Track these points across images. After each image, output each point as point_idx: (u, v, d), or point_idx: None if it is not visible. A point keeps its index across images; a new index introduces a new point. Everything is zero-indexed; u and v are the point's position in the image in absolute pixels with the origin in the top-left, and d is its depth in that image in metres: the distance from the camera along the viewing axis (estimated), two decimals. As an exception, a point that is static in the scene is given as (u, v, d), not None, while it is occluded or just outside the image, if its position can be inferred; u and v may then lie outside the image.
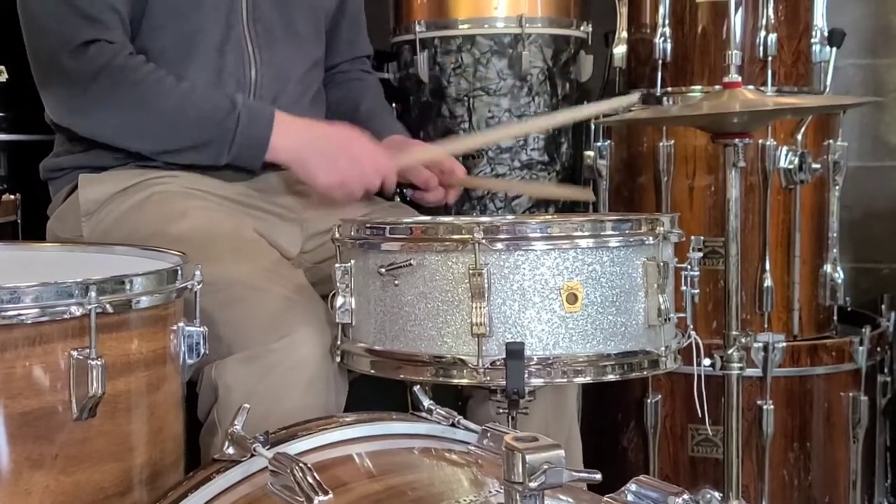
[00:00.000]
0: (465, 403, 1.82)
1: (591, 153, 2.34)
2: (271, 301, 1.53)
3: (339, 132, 1.77)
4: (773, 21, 2.22)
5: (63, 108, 1.75)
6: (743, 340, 1.75)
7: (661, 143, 2.22)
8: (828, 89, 2.27)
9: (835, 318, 2.35)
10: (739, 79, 1.70)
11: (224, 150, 1.70)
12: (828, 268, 2.29)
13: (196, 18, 1.75)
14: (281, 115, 1.73)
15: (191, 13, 1.75)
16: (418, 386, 1.22)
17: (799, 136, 2.21)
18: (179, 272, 1.24)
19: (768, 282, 2.19)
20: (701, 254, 1.57)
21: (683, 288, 1.55)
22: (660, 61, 2.25)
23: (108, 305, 1.10)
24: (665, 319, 1.43)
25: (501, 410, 1.43)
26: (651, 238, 1.43)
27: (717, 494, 1.80)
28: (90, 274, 1.11)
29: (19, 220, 2.21)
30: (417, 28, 2.29)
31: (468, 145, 2.11)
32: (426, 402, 1.18)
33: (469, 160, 2.27)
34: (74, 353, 1.09)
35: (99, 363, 1.07)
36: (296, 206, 1.84)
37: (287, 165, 1.76)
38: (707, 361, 1.67)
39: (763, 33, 2.22)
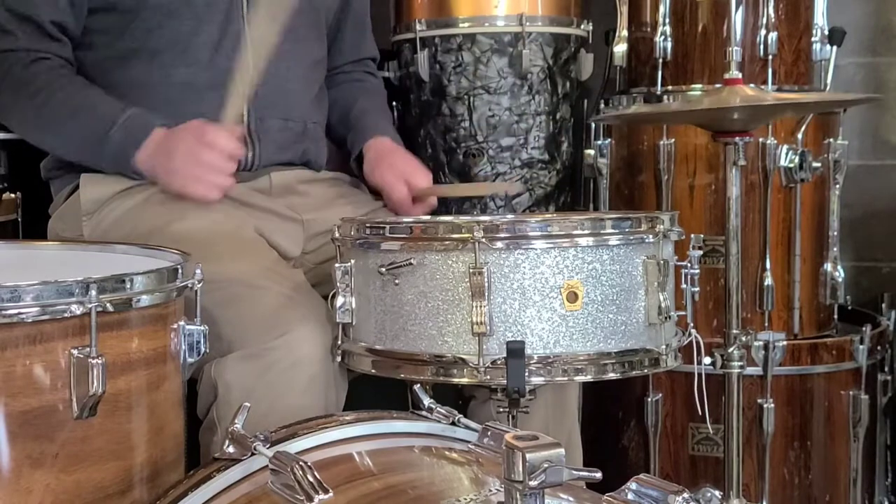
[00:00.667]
0: (465, 402, 1.82)
1: (591, 151, 2.34)
2: (271, 299, 1.54)
3: (169, 137, 1.70)
4: (773, 20, 2.22)
5: None
6: (743, 339, 1.75)
7: (661, 142, 2.22)
8: (828, 88, 2.27)
9: (835, 316, 2.35)
10: (740, 75, 1.70)
11: (101, 164, 1.75)
12: (828, 266, 2.29)
13: (191, 18, 1.75)
14: (157, 132, 1.70)
15: (186, 13, 1.75)
16: (418, 385, 1.22)
17: (799, 135, 2.21)
18: (180, 271, 1.24)
19: (769, 280, 2.19)
20: (701, 252, 1.57)
21: (684, 286, 1.55)
22: (660, 60, 2.25)
23: (108, 304, 1.10)
24: (665, 318, 1.44)
25: (502, 409, 1.43)
26: (651, 236, 1.43)
27: (717, 493, 1.81)
28: (90, 273, 1.11)
29: (20, 219, 2.21)
30: (418, 27, 2.29)
31: None
32: (426, 401, 1.18)
33: (470, 159, 2.27)
34: (75, 352, 1.09)
35: (99, 362, 1.07)
36: (297, 206, 1.84)
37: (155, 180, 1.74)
38: (707, 360, 1.67)
39: (763, 32, 2.21)
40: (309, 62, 1.93)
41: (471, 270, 1.36)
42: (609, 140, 2.33)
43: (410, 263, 1.40)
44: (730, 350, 1.73)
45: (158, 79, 1.75)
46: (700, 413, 1.63)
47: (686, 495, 0.87)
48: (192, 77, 1.75)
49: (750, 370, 2.07)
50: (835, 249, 2.30)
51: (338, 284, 1.48)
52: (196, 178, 1.66)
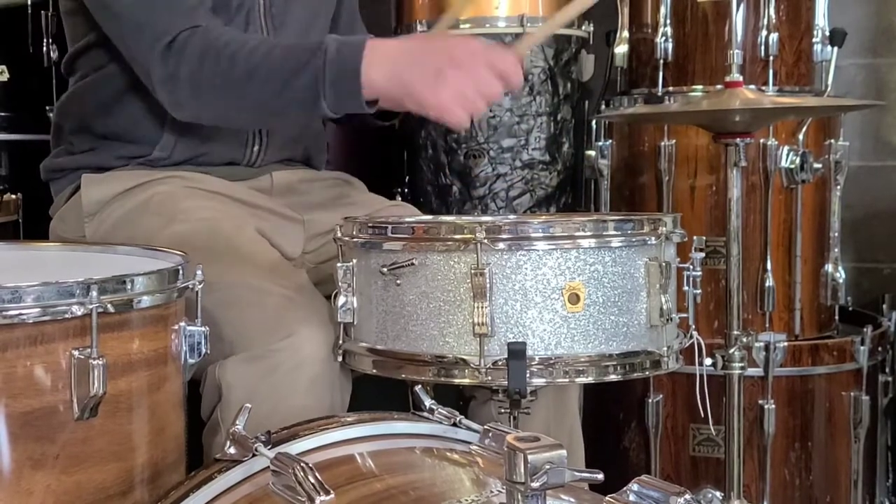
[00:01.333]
0: (466, 403, 1.82)
1: (592, 153, 2.34)
2: (273, 301, 1.53)
3: (439, 42, 1.57)
4: (774, 21, 2.22)
5: (169, 105, 1.66)
6: (744, 340, 1.75)
7: (662, 143, 2.23)
8: (829, 89, 2.27)
9: (836, 317, 2.35)
10: (741, 78, 1.70)
11: (320, 91, 1.52)
12: (829, 267, 2.29)
13: (225, 16, 1.74)
14: (374, 42, 1.53)
15: (222, 12, 1.73)
16: (420, 386, 1.22)
17: (800, 136, 2.21)
18: (181, 272, 1.24)
19: (770, 281, 2.20)
20: (703, 254, 1.57)
21: (685, 288, 1.54)
22: (661, 61, 2.25)
23: (109, 305, 1.10)
24: (667, 319, 1.43)
25: (503, 410, 1.43)
26: (653, 238, 1.43)
27: (718, 494, 1.81)
28: (91, 273, 1.11)
29: (20, 220, 2.22)
30: (419, 28, 2.29)
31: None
32: (428, 402, 1.18)
33: (471, 160, 2.27)
34: (76, 353, 1.09)
35: (100, 363, 1.07)
36: (298, 206, 1.84)
37: (393, 100, 1.53)
38: (708, 361, 1.67)
39: (764, 33, 2.22)
40: None
41: (472, 271, 1.36)
42: (610, 141, 2.33)
43: (412, 264, 1.40)
44: (731, 351, 1.73)
45: None
46: (701, 414, 1.63)
47: (687, 496, 0.87)
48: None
49: (751, 371, 2.07)
50: (836, 250, 2.30)
51: (339, 284, 1.48)
52: (466, 102, 1.47)
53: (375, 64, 1.50)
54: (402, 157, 2.44)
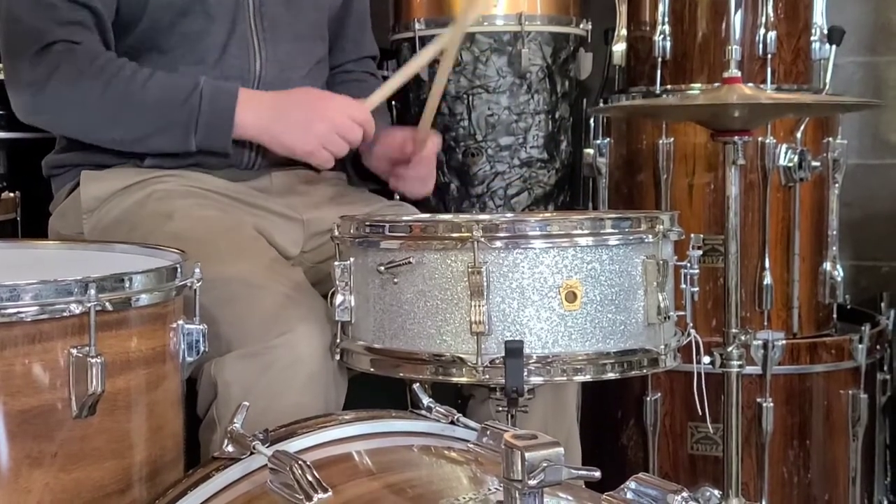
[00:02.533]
0: (464, 402, 1.82)
1: (590, 151, 2.34)
2: (270, 298, 1.54)
3: (302, 95, 1.74)
4: (772, 19, 2.22)
5: (28, 106, 1.74)
6: (742, 338, 1.75)
7: (660, 141, 2.22)
8: (827, 87, 2.27)
9: (834, 315, 2.35)
10: (739, 74, 1.70)
11: (191, 129, 1.68)
12: (827, 266, 2.29)
13: (203, 18, 1.75)
14: (245, 91, 1.70)
15: (199, 12, 1.75)
16: (417, 384, 1.22)
17: (798, 134, 2.21)
18: (179, 270, 1.24)
19: (768, 279, 2.20)
20: (701, 252, 1.57)
21: (683, 286, 1.54)
22: (659, 59, 2.25)
23: (107, 303, 1.10)
24: (665, 317, 1.43)
25: (501, 409, 1.43)
26: (651, 236, 1.43)
27: (716, 492, 1.81)
28: (90, 272, 1.11)
29: (19, 218, 2.21)
30: (417, 26, 2.29)
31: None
32: (425, 400, 1.18)
33: (469, 158, 2.27)
34: (74, 351, 1.09)
35: (98, 361, 1.07)
36: (297, 205, 1.84)
37: (259, 142, 1.74)
38: (707, 359, 1.67)
39: (762, 31, 2.21)
40: (312, 61, 1.93)
41: (469, 269, 1.36)
42: (608, 139, 2.33)
43: (409, 262, 1.40)
44: (729, 349, 1.73)
45: None
46: (699, 412, 1.63)
47: (685, 494, 0.87)
48: (199, 72, 1.75)
49: (749, 369, 2.08)
50: (834, 248, 2.30)
51: (337, 283, 1.48)
52: (328, 149, 1.71)
53: (246, 111, 1.69)
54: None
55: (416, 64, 1.86)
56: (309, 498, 0.91)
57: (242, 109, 1.69)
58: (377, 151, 1.91)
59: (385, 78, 2.27)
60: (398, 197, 2.10)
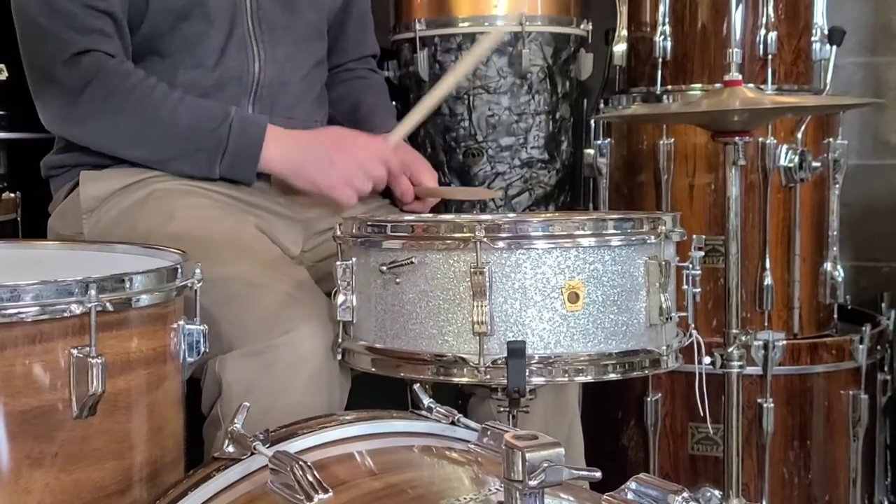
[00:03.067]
0: (465, 402, 1.82)
1: (591, 151, 2.34)
2: (272, 297, 1.54)
3: (329, 133, 1.78)
4: (773, 19, 2.22)
5: (57, 117, 1.75)
6: (743, 339, 1.75)
7: (661, 142, 2.22)
8: (828, 87, 2.27)
9: (835, 316, 2.35)
10: (740, 77, 1.69)
11: (217, 158, 1.70)
12: (828, 266, 2.29)
13: (202, 21, 1.75)
14: (273, 127, 1.72)
15: (195, 16, 1.75)
16: (419, 384, 1.22)
17: (799, 135, 2.21)
18: (179, 270, 1.24)
19: (768, 280, 2.19)
20: (703, 253, 1.57)
21: (685, 287, 1.54)
22: (660, 59, 2.25)
23: (108, 304, 1.10)
24: (666, 318, 1.43)
25: (502, 409, 1.43)
26: (653, 237, 1.43)
27: (717, 493, 1.81)
28: (90, 272, 1.11)
29: (19, 218, 2.21)
30: (417, 26, 2.29)
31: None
32: (426, 401, 1.18)
33: (469, 159, 2.27)
34: (74, 352, 1.09)
35: (99, 361, 1.07)
36: (297, 205, 1.84)
37: (283, 176, 1.76)
38: (707, 360, 1.66)
39: (763, 31, 2.21)
40: (311, 62, 1.93)
41: (472, 270, 1.36)
42: (609, 140, 2.33)
43: (411, 262, 1.40)
44: (729, 350, 1.73)
45: (166, 80, 1.74)
46: (700, 413, 1.63)
47: (686, 495, 0.87)
48: (198, 79, 1.75)
49: (749, 370, 2.07)
50: (834, 249, 2.30)
51: (339, 282, 1.48)
52: (353, 187, 1.74)
53: (274, 146, 1.71)
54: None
55: (439, 94, 1.91)
56: (309, 498, 0.91)
57: (270, 144, 1.71)
58: None
59: (385, 79, 2.28)
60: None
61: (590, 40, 2.40)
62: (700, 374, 1.64)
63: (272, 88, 1.81)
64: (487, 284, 1.36)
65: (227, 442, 1.06)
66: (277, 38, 1.83)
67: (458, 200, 2.23)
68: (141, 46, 1.75)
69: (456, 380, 1.40)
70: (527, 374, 1.35)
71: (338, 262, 1.48)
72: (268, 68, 1.81)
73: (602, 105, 2.38)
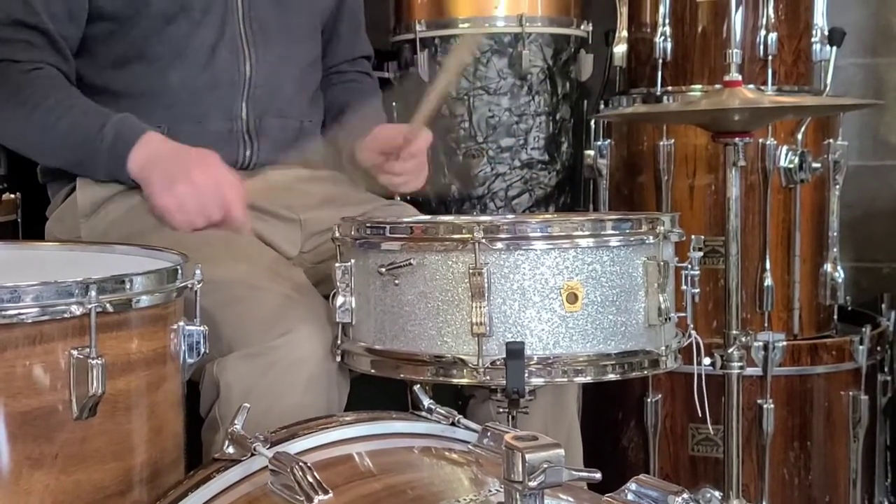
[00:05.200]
0: (465, 403, 1.82)
1: (591, 152, 2.34)
2: (271, 299, 1.54)
3: (191, 155, 1.64)
4: (773, 20, 2.22)
5: None
6: (743, 339, 1.75)
7: (661, 143, 2.23)
8: (828, 89, 2.27)
9: (835, 317, 2.35)
10: (740, 77, 1.70)
11: (96, 168, 1.70)
12: (828, 267, 2.29)
13: (188, 22, 1.75)
14: (152, 135, 1.66)
15: (183, 18, 1.75)
16: (418, 385, 1.22)
17: (799, 136, 2.21)
18: (179, 271, 1.24)
19: (768, 281, 2.20)
20: (701, 253, 1.57)
21: (684, 287, 1.54)
22: (660, 60, 2.26)
23: (108, 305, 1.10)
24: (665, 319, 1.43)
25: (501, 410, 1.43)
26: (652, 237, 1.43)
27: (717, 494, 1.81)
28: (90, 273, 1.11)
29: (19, 220, 2.21)
30: (418, 27, 2.29)
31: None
32: (426, 402, 1.18)
33: (470, 160, 2.27)
34: (75, 353, 1.09)
35: (99, 362, 1.07)
36: (295, 206, 1.84)
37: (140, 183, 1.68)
38: (707, 361, 1.67)
39: (763, 32, 2.22)
40: (304, 63, 1.93)
41: (471, 271, 1.36)
42: (609, 141, 2.33)
43: (410, 264, 1.40)
44: (729, 350, 1.73)
45: (157, 83, 1.74)
46: (700, 414, 1.63)
47: (686, 496, 0.87)
48: (190, 80, 1.75)
49: (750, 371, 2.08)
50: (834, 250, 2.30)
51: (338, 284, 1.48)
52: (185, 213, 1.59)
53: (137, 154, 1.64)
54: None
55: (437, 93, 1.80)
56: (309, 499, 0.91)
57: (136, 151, 1.64)
58: (367, 143, 1.89)
59: (383, 79, 2.27)
60: (398, 197, 2.10)
61: (590, 41, 2.40)
62: (699, 375, 1.64)
63: (265, 89, 1.81)
64: (486, 285, 1.36)
65: (227, 443, 1.06)
66: (270, 38, 1.83)
67: (460, 202, 2.23)
68: (131, 49, 1.75)
69: (455, 381, 1.40)
70: (526, 374, 1.36)
71: (337, 264, 1.48)
72: (260, 69, 1.81)
73: (602, 106, 2.38)
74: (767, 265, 2.20)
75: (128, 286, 1.14)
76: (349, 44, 2.10)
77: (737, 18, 2.16)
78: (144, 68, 1.75)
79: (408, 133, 1.81)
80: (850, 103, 2.26)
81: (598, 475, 0.88)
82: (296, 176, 1.90)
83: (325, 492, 0.91)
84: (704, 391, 1.64)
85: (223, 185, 1.59)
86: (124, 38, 1.75)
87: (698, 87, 2.25)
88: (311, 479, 0.92)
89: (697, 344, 1.59)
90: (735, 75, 1.70)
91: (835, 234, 2.30)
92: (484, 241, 1.36)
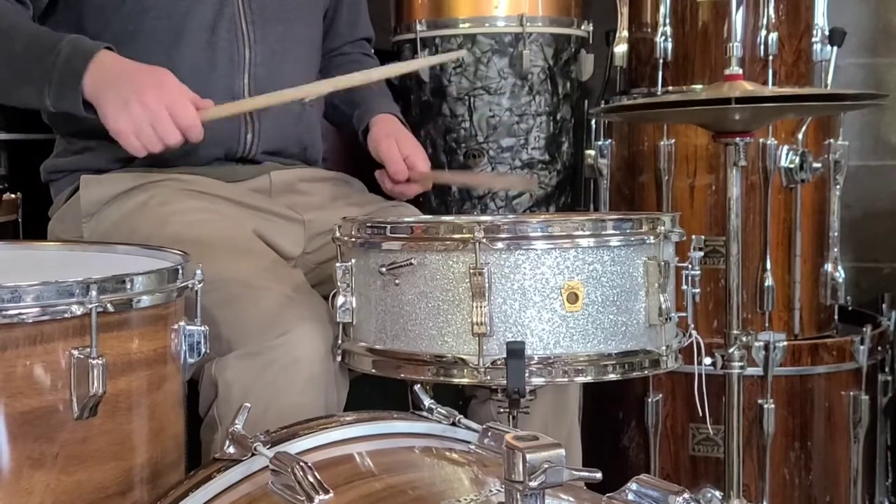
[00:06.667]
0: (465, 403, 1.82)
1: (592, 152, 2.34)
2: (270, 299, 1.54)
3: (145, 74, 1.61)
4: (773, 20, 2.22)
5: None
6: (744, 339, 1.75)
7: (661, 142, 2.23)
8: (828, 88, 2.27)
9: (836, 317, 2.35)
10: (740, 71, 1.69)
11: (44, 86, 1.61)
12: (829, 267, 2.29)
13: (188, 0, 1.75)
14: (107, 54, 1.61)
15: None
16: (419, 385, 1.22)
17: (800, 136, 2.21)
18: (180, 271, 1.24)
19: (769, 281, 2.19)
20: (702, 253, 1.57)
21: (684, 287, 1.55)
22: (661, 60, 2.25)
23: (108, 304, 1.10)
24: (666, 319, 1.44)
25: (502, 410, 1.43)
26: (652, 237, 1.43)
27: (717, 494, 1.81)
28: (91, 273, 1.11)
29: (20, 220, 2.22)
30: (418, 27, 2.29)
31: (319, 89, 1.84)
32: (427, 402, 1.18)
33: (470, 160, 2.27)
34: (75, 353, 1.09)
35: (100, 362, 1.07)
36: (298, 206, 1.84)
37: (95, 107, 1.61)
38: (708, 360, 1.66)
39: (764, 32, 2.21)
40: (305, 44, 1.93)
41: (471, 271, 1.36)
42: (609, 141, 2.33)
43: (411, 263, 1.40)
44: (730, 350, 1.72)
45: (156, 62, 1.72)
46: (700, 413, 1.63)
47: (686, 496, 0.87)
48: (190, 59, 1.75)
49: (750, 371, 2.07)
50: (835, 250, 2.30)
51: (338, 284, 1.48)
52: (141, 138, 1.57)
53: (93, 73, 1.58)
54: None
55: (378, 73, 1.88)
56: (310, 499, 0.91)
57: (91, 70, 1.59)
58: (375, 154, 1.92)
59: (387, 79, 2.27)
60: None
61: (590, 41, 2.40)
62: (700, 375, 1.64)
63: (265, 69, 1.81)
64: (487, 285, 1.36)
65: (227, 443, 1.06)
66: (269, 18, 1.83)
67: (460, 201, 2.23)
68: (128, 26, 1.74)
69: (456, 381, 1.40)
70: (526, 374, 1.36)
71: (337, 264, 1.49)
72: (259, 49, 1.81)
73: (603, 106, 2.38)
74: (768, 265, 2.20)
75: (128, 286, 1.14)
76: (350, 25, 2.11)
77: (737, 18, 2.16)
78: (144, 45, 1.74)
79: (414, 177, 1.89)
80: (852, 95, 2.25)
81: (599, 475, 0.88)
82: (299, 176, 1.90)
83: (326, 492, 0.91)
84: (705, 391, 1.64)
85: (178, 106, 1.57)
86: (120, 13, 1.74)
87: (699, 86, 2.25)
88: (311, 479, 0.92)
89: (698, 344, 1.59)
90: (735, 69, 1.69)
91: (835, 234, 2.30)
92: (484, 240, 1.36)
